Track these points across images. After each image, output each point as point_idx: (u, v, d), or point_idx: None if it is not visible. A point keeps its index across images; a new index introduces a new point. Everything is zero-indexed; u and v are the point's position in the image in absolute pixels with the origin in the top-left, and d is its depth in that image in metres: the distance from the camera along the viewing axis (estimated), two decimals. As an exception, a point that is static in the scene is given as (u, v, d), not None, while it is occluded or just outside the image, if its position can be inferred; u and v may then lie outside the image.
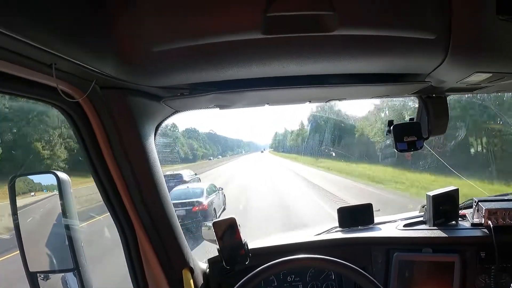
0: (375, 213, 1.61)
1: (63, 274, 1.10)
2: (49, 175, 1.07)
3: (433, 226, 1.44)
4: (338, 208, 1.62)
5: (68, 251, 1.04)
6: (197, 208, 7.82)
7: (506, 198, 1.47)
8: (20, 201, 1.02)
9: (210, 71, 0.90)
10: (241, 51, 0.80)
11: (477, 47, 0.83)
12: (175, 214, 1.23)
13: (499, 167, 10.23)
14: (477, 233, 1.36)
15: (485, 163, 11.00)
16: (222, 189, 9.83)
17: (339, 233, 1.57)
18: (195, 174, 13.87)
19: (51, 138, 11.66)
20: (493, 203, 1.38)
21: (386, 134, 1.31)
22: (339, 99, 1.30)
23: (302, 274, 1.47)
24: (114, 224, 1.18)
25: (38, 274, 1.05)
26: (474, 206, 1.42)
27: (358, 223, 1.59)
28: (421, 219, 1.53)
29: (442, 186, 1.52)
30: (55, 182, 1.03)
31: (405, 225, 1.51)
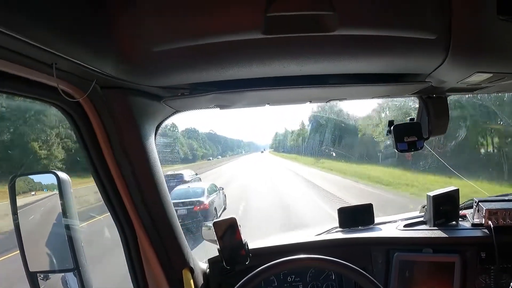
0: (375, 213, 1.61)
1: (63, 274, 1.10)
2: (49, 174, 1.07)
3: (434, 226, 1.44)
4: (338, 208, 1.62)
5: (68, 251, 1.04)
6: (198, 208, 7.89)
7: (506, 198, 1.47)
8: (21, 200, 1.02)
9: (211, 71, 0.90)
10: (241, 51, 0.80)
11: (477, 47, 0.83)
12: (175, 214, 1.23)
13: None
14: (477, 233, 1.35)
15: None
16: (222, 189, 9.89)
17: (340, 233, 1.57)
18: (196, 174, 13.94)
19: (48, 138, 11.58)
20: (493, 203, 1.38)
21: (387, 134, 1.31)
22: (340, 99, 1.30)
23: (303, 274, 1.47)
24: (114, 224, 1.18)
25: (38, 274, 1.05)
26: (474, 206, 1.42)
27: (358, 223, 1.59)
28: (422, 219, 1.53)
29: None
30: (55, 182, 1.03)
31: (405, 225, 1.51)
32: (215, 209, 8.57)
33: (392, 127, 1.28)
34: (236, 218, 1.26)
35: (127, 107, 1.00)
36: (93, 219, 6.75)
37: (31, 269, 1.03)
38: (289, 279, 1.46)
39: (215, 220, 1.25)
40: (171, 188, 8.72)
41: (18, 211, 1.02)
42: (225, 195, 10.06)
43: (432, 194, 1.45)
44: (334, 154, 16.70)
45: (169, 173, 11.59)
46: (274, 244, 1.50)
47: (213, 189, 9.08)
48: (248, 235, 1.33)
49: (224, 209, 9.57)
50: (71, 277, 1.08)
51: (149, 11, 0.72)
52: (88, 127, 1.00)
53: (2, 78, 0.72)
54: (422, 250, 1.37)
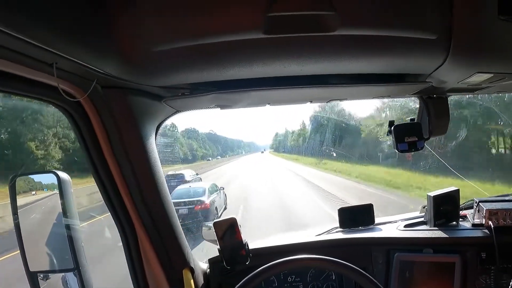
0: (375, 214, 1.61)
1: (63, 273, 1.10)
2: (49, 174, 1.07)
3: (434, 226, 1.44)
4: (338, 208, 1.62)
5: (68, 251, 1.04)
6: (199, 207, 7.96)
7: (506, 198, 1.47)
8: (21, 200, 1.02)
9: (211, 71, 0.90)
10: (242, 51, 0.80)
11: (478, 47, 0.83)
12: (175, 214, 1.23)
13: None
14: (477, 233, 1.36)
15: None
16: (223, 188, 9.94)
17: (340, 233, 1.57)
18: (197, 174, 13.98)
19: (45, 137, 11.49)
20: (493, 203, 1.38)
21: (387, 134, 1.31)
22: (340, 100, 1.30)
23: (303, 274, 1.47)
24: (114, 224, 1.18)
25: (38, 274, 1.05)
26: (474, 207, 1.42)
27: (358, 224, 1.59)
28: (422, 219, 1.53)
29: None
30: (55, 181, 1.03)
31: (405, 226, 1.51)
32: (216, 208, 8.63)
33: (392, 128, 1.28)
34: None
35: (127, 107, 1.00)
36: (83, 222, 6.72)
37: (31, 269, 1.03)
38: (290, 279, 1.46)
39: (215, 220, 1.25)
40: (172, 188, 8.81)
41: (18, 211, 1.02)
42: (225, 194, 10.09)
43: (432, 194, 1.45)
44: (336, 155, 16.22)
45: (170, 172, 11.62)
46: (274, 244, 1.50)
47: (214, 189, 9.14)
48: (247, 236, 1.33)
49: (225, 208, 9.62)
50: (71, 277, 1.08)
51: (149, 11, 0.72)
52: (88, 127, 1.00)
53: (3, 77, 0.72)
54: (422, 250, 1.37)
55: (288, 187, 14.03)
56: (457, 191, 1.47)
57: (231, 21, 0.72)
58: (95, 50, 0.73)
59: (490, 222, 1.32)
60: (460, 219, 1.48)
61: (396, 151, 1.29)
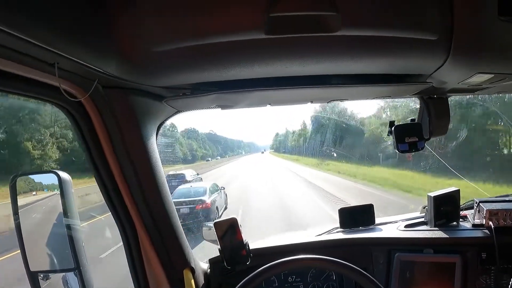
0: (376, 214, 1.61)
1: (63, 273, 1.10)
2: (50, 174, 1.07)
3: (434, 226, 1.44)
4: (339, 208, 1.62)
5: (69, 251, 1.04)
6: (200, 206, 8.04)
7: (507, 199, 1.47)
8: (22, 200, 1.02)
9: (212, 71, 0.90)
10: (243, 51, 0.80)
11: (478, 48, 0.83)
12: (176, 214, 1.23)
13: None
14: (478, 233, 1.36)
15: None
16: (224, 188, 9.99)
17: (340, 233, 1.57)
18: (197, 174, 14.01)
19: (42, 137, 11.40)
20: (494, 203, 1.38)
21: (388, 135, 1.31)
22: (341, 100, 1.30)
23: (303, 274, 1.47)
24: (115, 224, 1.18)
25: (38, 274, 1.05)
26: (475, 207, 1.43)
27: (359, 224, 1.59)
28: (422, 219, 1.53)
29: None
30: (55, 182, 1.03)
31: (406, 226, 1.51)
32: (217, 208, 8.69)
33: (393, 128, 1.28)
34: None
35: (128, 107, 1.00)
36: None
37: (32, 269, 1.03)
38: (290, 279, 1.46)
39: (216, 220, 1.25)
40: (173, 188, 8.87)
41: (19, 211, 1.02)
42: (226, 194, 10.14)
43: (432, 194, 1.45)
44: (337, 155, 15.67)
45: (171, 172, 11.70)
46: (275, 244, 1.50)
47: (215, 189, 9.20)
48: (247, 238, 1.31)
49: (225, 208, 9.66)
50: (71, 277, 1.08)
51: (149, 11, 0.72)
52: (89, 127, 1.00)
53: (5, 77, 0.72)
54: (423, 251, 1.37)
55: (289, 189, 13.60)
56: (458, 191, 1.48)
57: (232, 21, 0.72)
58: (96, 50, 0.73)
59: (490, 222, 1.32)
60: (461, 219, 1.48)
61: (397, 151, 1.29)
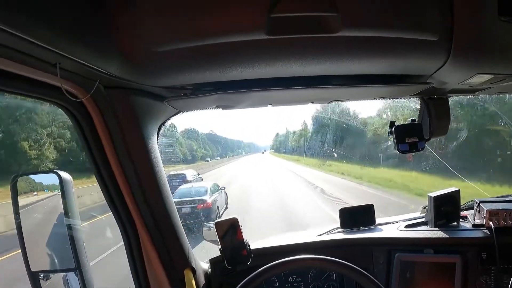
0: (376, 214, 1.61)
1: (64, 273, 1.10)
2: (51, 174, 1.07)
3: (435, 227, 1.44)
4: (339, 208, 1.62)
5: (70, 251, 1.04)
6: (201, 206, 8.13)
7: (507, 199, 1.47)
8: (23, 200, 1.02)
9: (214, 72, 0.90)
10: (244, 52, 0.81)
11: (479, 48, 0.83)
12: (177, 214, 1.23)
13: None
14: (478, 234, 1.36)
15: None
16: (224, 188, 10.05)
17: (341, 233, 1.58)
18: (198, 174, 14.09)
19: (39, 137, 11.28)
20: (494, 204, 1.38)
21: (388, 135, 1.31)
22: (342, 100, 1.30)
23: (304, 274, 1.47)
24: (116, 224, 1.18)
25: (39, 274, 1.05)
26: (475, 207, 1.43)
27: (359, 224, 1.59)
28: (423, 220, 1.53)
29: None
30: (56, 182, 1.03)
31: (406, 226, 1.52)
32: (218, 207, 8.77)
33: (393, 128, 1.29)
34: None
35: (130, 107, 1.01)
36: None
37: (32, 269, 1.03)
38: (291, 279, 1.46)
39: (216, 221, 1.25)
40: (174, 188, 8.94)
41: (20, 211, 1.02)
42: (226, 194, 10.20)
43: (433, 194, 1.45)
44: (340, 155, 15.24)
45: (172, 172, 11.80)
46: (275, 244, 1.50)
47: (216, 188, 9.28)
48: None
49: (226, 208, 9.71)
50: (72, 277, 1.08)
51: (150, 12, 0.72)
52: (91, 127, 1.00)
53: (7, 78, 0.72)
54: (423, 251, 1.37)
55: (291, 191, 13.12)
56: (458, 192, 1.48)
57: (234, 22, 0.72)
58: (98, 50, 0.74)
59: (490, 223, 1.32)
60: (461, 220, 1.48)
61: (398, 152, 1.30)
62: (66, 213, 1.03)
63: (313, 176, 16.06)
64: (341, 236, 1.55)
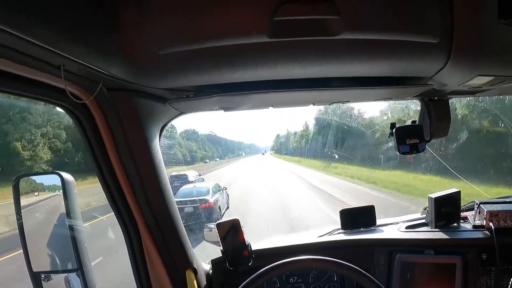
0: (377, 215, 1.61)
1: (66, 274, 1.10)
2: (53, 175, 1.07)
3: (435, 228, 1.44)
4: (340, 210, 1.63)
5: (72, 251, 1.04)
6: (203, 206, 8.20)
7: (507, 200, 1.48)
8: (25, 200, 1.02)
9: (216, 74, 0.91)
10: (247, 54, 0.81)
11: (479, 50, 0.84)
12: (179, 215, 1.24)
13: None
14: (478, 235, 1.36)
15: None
16: (226, 188, 10.11)
17: (342, 234, 1.58)
18: (199, 175, 14.12)
19: (32, 137, 11.06)
20: (494, 205, 1.39)
21: (389, 136, 1.32)
22: (342, 102, 1.30)
23: (305, 275, 1.47)
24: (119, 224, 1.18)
25: (41, 274, 1.06)
26: (475, 208, 1.43)
27: (360, 225, 1.60)
28: (423, 221, 1.54)
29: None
30: (57, 183, 1.03)
31: (407, 227, 1.52)
32: (219, 207, 8.84)
33: (394, 130, 1.29)
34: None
35: (132, 109, 1.01)
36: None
37: (34, 269, 1.03)
38: (292, 280, 1.46)
39: (218, 222, 1.26)
40: (176, 188, 8.98)
41: (22, 211, 1.02)
42: (228, 194, 10.23)
43: (433, 196, 1.46)
44: (345, 157, 14.61)
45: (173, 173, 11.81)
46: (276, 245, 1.51)
47: (217, 189, 9.35)
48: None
49: (227, 208, 9.76)
50: (74, 278, 1.08)
51: (153, 14, 0.73)
52: (94, 128, 1.01)
53: (12, 79, 0.73)
54: (423, 252, 1.38)
55: (293, 193, 12.29)
56: (458, 193, 1.48)
57: (236, 24, 0.73)
58: (102, 52, 0.74)
59: (490, 224, 1.33)
60: (461, 221, 1.49)
61: (398, 153, 1.30)
62: (68, 213, 1.03)
63: (316, 178, 15.00)
64: (342, 237, 1.55)
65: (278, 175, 19.47)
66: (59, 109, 0.98)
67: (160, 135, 1.19)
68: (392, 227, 1.58)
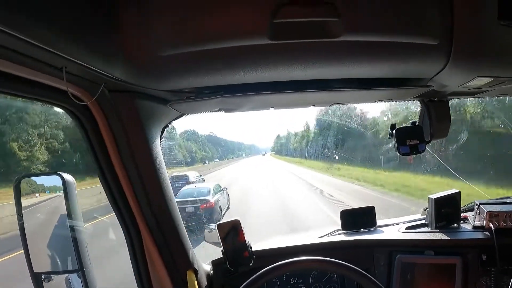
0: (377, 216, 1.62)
1: (67, 275, 1.10)
2: (54, 176, 1.08)
3: (435, 228, 1.45)
4: (340, 210, 1.63)
5: (72, 252, 1.05)
6: (205, 206, 8.30)
7: (507, 201, 1.48)
8: (26, 201, 1.02)
9: (217, 76, 0.91)
10: (247, 56, 0.82)
11: (478, 52, 0.84)
12: (180, 216, 1.24)
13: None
14: (478, 235, 1.37)
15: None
16: (226, 189, 10.18)
17: (342, 235, 1.58)
18: (200, 175, 14.36)
19: (29, 138, 10.92)
20: (494, 205, 1.39)
21: (389, 137, 1.32)
22: (343, 103, 1.31)
23: (305, 276, 1.47)
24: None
25: (42, 275, 1.06)
26: (475, 209, 1.43)
27: (360, 226, 1.60)
28: (423, 221, 1.54)
29: None
30: (58, 183, 1.03)
31: (407, 228, 1.52)
32: (220, 207, 8.93)
33: (394, 131, 1.29)
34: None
35: (134, 110, 1.01)
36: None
37: (35, 270, 1.03)
38: (292, 281, 1.47)
39: (219, 222, 1.26)
40: (177, 189, 9.11)
41: (23, 211, 1.02)
42: (228, 195, 10.30)
43: (433, 196, 1.46)
44: (348, 158, 14.30)
45: (174, 174, 11.90)
46: (277, 246, 1.51)
47: (218, 189, 9.45)
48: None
49: (228, 208, 9.83)
50: (75, 278, 1.08)
51: (155, 16, 0.73)
52: (95, 130, 1.01)
53: (14, 81, 0.73)
54: (424, 252, 1.38)
55: (294, 195, 11.92)
56: (458, 193, 1.49)
57: (237, 27, 0.73)
58: (104, 54, 0.75)
59: (490, 224, 1.33)
60: (461, 221, 1.49)
61: (398, 154, 1.30)
62: (69, 214, 1.04)
63: (318, 180, 14.41)
64: (342, 237, 1.55)
65: (279, 176, 19.41)
66: (56, 109, 0.98)
67: (161, 137, 1.19)
68: (392, 228, 1.58)
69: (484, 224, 1.36)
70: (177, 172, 12.75)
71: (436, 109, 1.29)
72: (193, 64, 0.84)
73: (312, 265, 1.11)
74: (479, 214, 1.41)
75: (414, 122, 1.36)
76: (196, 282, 1.24)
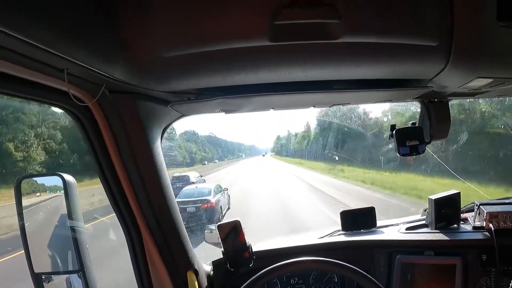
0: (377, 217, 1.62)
1: (67, 275, 1.10)
2: (55, 177, 1.08)
3: (435, 229, 1.45)
4: (341, 211, 1.63)
5: (73, 253, 1.05)
6: (205, 206, 8.34)
7: (507, 201, 1.48)
8: (27, 200, 1.03)
9: (217, 77, 0.92)
10: (248, 57, 0.82)
11: (478, 53, 0.84)
12: (180, 217, 1.24)
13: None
14: (478, 236, 1.37)
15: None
16: (227, 189, 10.21)
17: (342, 236, 1.58)
18: (201, 176, 14.44)
19: (26, 138, 10.76)
20: (494, 206, 1.39)
21: (389, 138, 1.32)
22: (343, 104, 1.31)
23: (306, 276, 1.47)
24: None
25: (42, 275, 1.06)
26: (475, 209, 1.44)
27: (360, 226, 1.60)
28: (423, 222, 1.54)
29: None
30: (58, 184, 1.03)
31: (407, 228, 1.52)
32: (221, 207, 8.96)
33: (394, 132, 1.30)
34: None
35: (135, 111, 1.02)
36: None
37: (36, 270, 1.03)
38: (292, 282, 1.47)
39: (219, 223, 1.26)
40: (178, 189, 9.16)
41: (23, 211, 1.02)
42: (229, 195, 10.33)
43: (433, 197, 1.46)
44: (348, 158, 14.09)
45: (175, 174, 11.95)
46: (277, 247, 1.51)
47: (219, 189, 9.49)
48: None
49: (228, 208, 9.87)
50: (75, 279, 1.09)
51: (156, 18, 0.73)
52: (96, 131, 1.01)
53: (15, 82, 0.73)
54: (424, 253, 1.38)
55: (296, 198, 11.61)
56: (458, 194, 1.49)
57: (238, 28, 0.74)
58: (105, 56, 0.75)
59: (490, 225, 1.33)
60: (461, 222, 1.49)
61: (398, 154, 1.31)
62: (70, 215, 1.04)
63: (321, 181, 13.87)
64: (343, 238, 1.55)
65: (279, 177, 19.36)
66: (54, 109, 0.98)
67: (161, 137, 1.19)
68: (392, 228, 1.58)
69: (484, 225, 1.36)
70: (177, 172, 12.78)
71: (436, 110, 1.29)
72: (194, 65, 0.84)
73: (312, 265, 1.11)
74: (479, 214, 1.41)
75: (414, 123, 1.36)
76: (196, 283, 1.24)
